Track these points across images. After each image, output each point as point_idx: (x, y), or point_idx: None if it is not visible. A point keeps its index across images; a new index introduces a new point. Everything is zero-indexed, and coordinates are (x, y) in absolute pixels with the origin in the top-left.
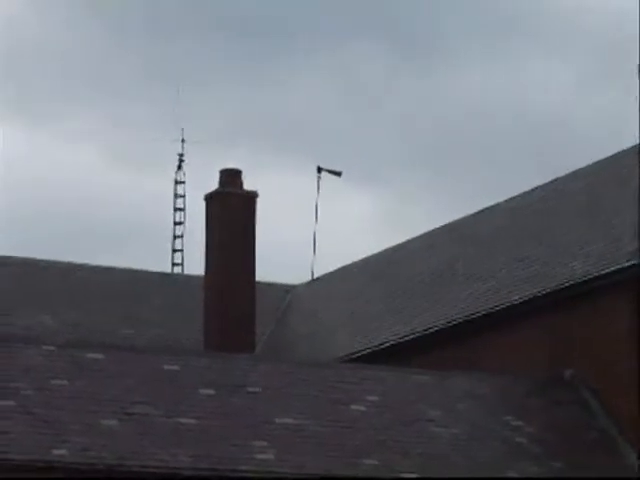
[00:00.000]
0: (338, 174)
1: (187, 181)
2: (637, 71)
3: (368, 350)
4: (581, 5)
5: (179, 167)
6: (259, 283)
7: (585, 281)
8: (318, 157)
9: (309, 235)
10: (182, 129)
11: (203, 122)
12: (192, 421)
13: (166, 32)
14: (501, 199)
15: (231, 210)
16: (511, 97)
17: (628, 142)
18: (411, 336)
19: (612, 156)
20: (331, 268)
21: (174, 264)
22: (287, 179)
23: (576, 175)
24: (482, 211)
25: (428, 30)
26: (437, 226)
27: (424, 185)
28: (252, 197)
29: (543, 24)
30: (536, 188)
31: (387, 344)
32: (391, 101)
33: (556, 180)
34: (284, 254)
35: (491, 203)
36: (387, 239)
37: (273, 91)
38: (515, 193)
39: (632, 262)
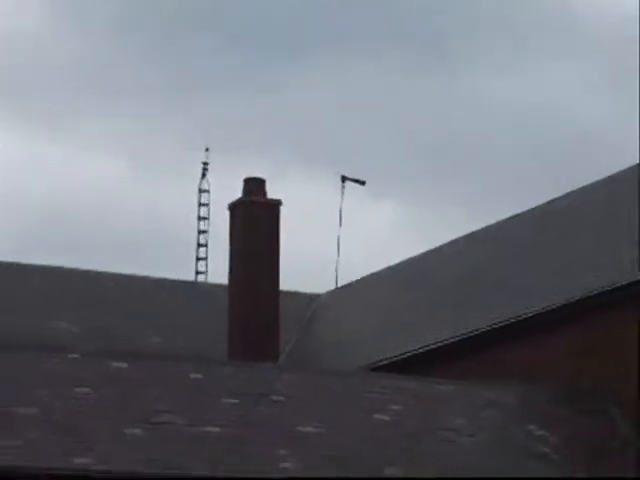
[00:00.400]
0: (362, 183)
1: (211, 189)
2: None
3: (392, 359)
4: (593, 11)
5: (203, 175)
6: (283, 292)
7: (609, 291)
8: (341, 166)
9: (333, 244)
10: (207, 137)
11: (227, 130)
12: (216, 429)
13: (190, 40)
14: (521, 209)
15: (255, 219)
16: (533, 105)
17: None
18: (435, 345)
19: (634, 166)
20: (355, 277)
21: (198, 272)
22: (310, 188)
23: (599, 185)
24: (505, 220)
25: (448, 39)
26: (459, 235)
27: (445, 194)
28: (276, 205)
29: (554, 30)
30: (559, 197)
31: (411, 353)
32: (413, 111)
33: (580, 190)
34: (308, 263)
35: (512, 213)
36: (409, 248)
37: (295, 99)
38: (537, 202)
39: None
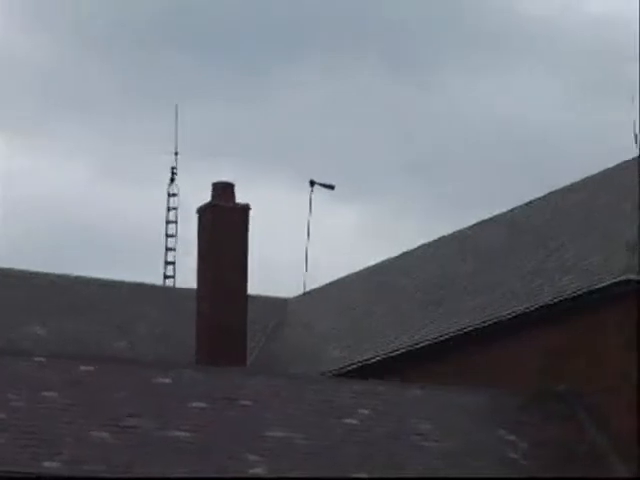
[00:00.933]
0: (331, 187)
1: (180, 194)
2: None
3: (361, 364)
4: (570, 18)
5: (172, 180)
6: (251, 296)
7: (578, 296)
8: (310, 171)
9: (302, 248)
10: (176, 142)
11: (196, 135)
12: (184, 434)
13: (156, 48)
14: (488, 213)
15: (223, 223)
16: (502, 111)
17: (620, 155)
18: (403, 350)
19: (610, 169)
20: (324, 281)
21: (166, 276)
22: (279, 192)
23: (574, 188)
24: (479, 224)
25: (420, 44)
26: (428, 240)
27: (413, 199)
28: (245, 210)
29: (535, 39)
30: (534, 201)
31: (380, 358)
32: (382, 115)
33: (554, 193)
34: (276, 267)
35: (482, 216)
36: (379, 252)
37: (265, 105)
38: (510, 206)
39: (625, 277)
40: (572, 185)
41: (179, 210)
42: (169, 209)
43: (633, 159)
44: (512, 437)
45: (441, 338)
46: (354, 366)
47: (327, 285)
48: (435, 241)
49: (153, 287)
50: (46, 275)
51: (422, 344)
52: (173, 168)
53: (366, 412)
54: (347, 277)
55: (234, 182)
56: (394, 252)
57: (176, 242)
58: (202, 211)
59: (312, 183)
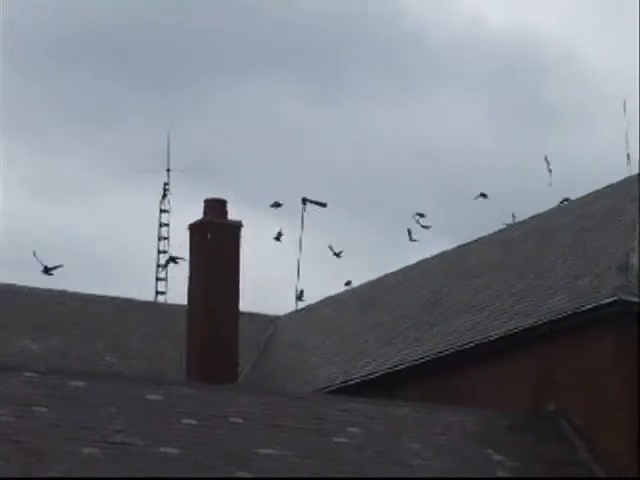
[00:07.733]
0: (323, 205)
1: (172, 210)
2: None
3: (351, 382)
4: (492, 38)
5: (164, 196)
6: (243, 313)
7: (568, 316)
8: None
9: (293, 266)
10: (168, 159)
11: (189, 151)
12: (174, 451)
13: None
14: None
15: (215, 240)
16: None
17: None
18: (394, 369)
19: (601, 190)
20: (315, 299)
21: (158, 293)
22: (271, 209)
23: (564, 209)
24: (469, 244)
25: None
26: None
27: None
28: (237, 227)
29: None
30: (524, 221)
31: (370, 376)
32: (319, 137)
33: (544, 214)
34: (268, 284)
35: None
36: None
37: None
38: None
39: (615, 298)
40: (564, 205)
41: (171, 226)
42: (161, 225)
43: (621, 181)
44: (501, 457)
45: (431, 357)
46: (345, 384)
47: (318, 303)
48: (429, 259)
49: (144, 303)
50: (38, 290)
51: (412, 363)
52: (165, 184)
53: (356, 430)
54: (338, 295)
55: (226, 199)
56: (382, 272)
57: (168, 258)
58: (194, 227)
59: (304, 201)
